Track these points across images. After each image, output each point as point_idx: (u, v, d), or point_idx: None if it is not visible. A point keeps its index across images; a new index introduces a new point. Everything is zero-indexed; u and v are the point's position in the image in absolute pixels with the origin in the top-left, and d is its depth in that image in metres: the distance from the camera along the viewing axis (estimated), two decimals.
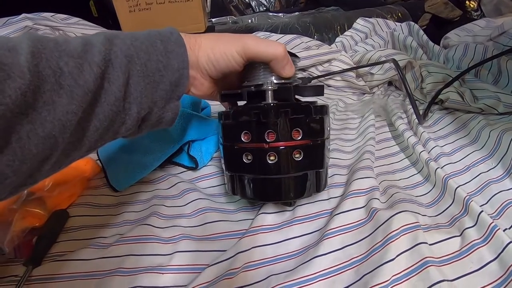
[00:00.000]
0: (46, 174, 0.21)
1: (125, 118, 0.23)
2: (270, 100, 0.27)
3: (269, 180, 0.29)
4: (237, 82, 0.32)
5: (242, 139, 0.28)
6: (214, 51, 0.27)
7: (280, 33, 0.72)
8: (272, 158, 0.27)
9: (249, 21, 1.04)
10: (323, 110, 0.30)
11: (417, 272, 0.25)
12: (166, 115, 0.26)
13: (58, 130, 0.19)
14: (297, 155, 0.28)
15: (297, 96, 0.33)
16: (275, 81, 0.29)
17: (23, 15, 0.67)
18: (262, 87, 0.28)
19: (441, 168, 0.37)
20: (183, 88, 0.26)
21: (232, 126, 0.29)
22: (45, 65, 0.18)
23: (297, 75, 0.32)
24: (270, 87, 0.28)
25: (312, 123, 0.28)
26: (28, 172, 0.19)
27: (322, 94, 0.30)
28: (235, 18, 1.09)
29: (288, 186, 0.29)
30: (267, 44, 0.27)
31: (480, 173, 0.37)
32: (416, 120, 0.46)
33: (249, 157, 0.28)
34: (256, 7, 1.41)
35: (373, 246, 0.27)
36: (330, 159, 0.41)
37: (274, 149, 0.27)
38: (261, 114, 0.27)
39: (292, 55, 0.30)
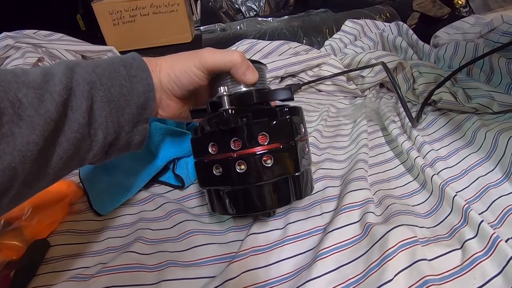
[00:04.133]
0: (6, 207, 0.20)
1: (91, 144, 0.23)
2: (227, 105, 0.26)
3: (242, 191, 0.27)
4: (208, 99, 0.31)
5: (210, 151, 0.27)
6: (174, 69, 0.27)
7: (268, 39, 0.71)
8: (242, 167, 0.26)
9: (238, 27, 1.03)
10: (292, 111, 0.28)
11: None
12: (135, 139, 0.26)
13: (18, 161, 0.18)
14: (268, 161, 0.26)
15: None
16: (243, 89, 0.29)
17: (4, 33, 0.65)
18: (218, 94, 0.27)
19: (437, 174, 0.35)
20: (150, 110, 0.26)
21: (199, 140, 0.29)
22: (3, 97, 0.18)
23: (267, 82, 0.31)
24: (225, 93, 0.26)
25: (279, 125, 0.27)
26: None
27: (291, 95, 0.29)
28: (223, 25, 1.08)
29: (263, 195, 0.27)
30: (223, 53, 0.27)
31: (478, 177, 0.36)
32: (410, 124, 0.45)
33: (219, 169, 0.27)
34: (246, 12, 1.41)
35: (369, 265, 0.26)
36: (322, 170, 0.39)
37: (242, 157, 0.26)
38: (219, 121, 0.26)
39: (256, 62, 0.30)
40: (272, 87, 0.33)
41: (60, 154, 0.21)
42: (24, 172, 0.19)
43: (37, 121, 0.19)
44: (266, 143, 0.26)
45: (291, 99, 0.30)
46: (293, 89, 0.31)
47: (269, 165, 0.26)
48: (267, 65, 0.33)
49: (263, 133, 0.26)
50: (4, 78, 0.19)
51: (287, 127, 0.27)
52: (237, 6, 1.40)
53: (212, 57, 0.27)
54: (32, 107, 0.19)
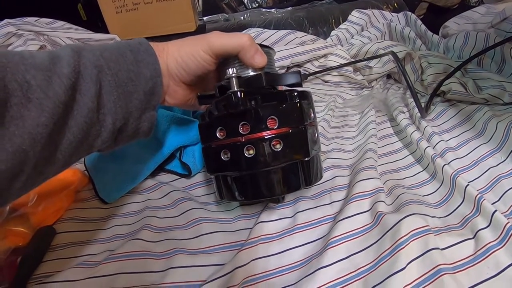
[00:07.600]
0: (17, 193, 0.20)
1: (100, 130, 0.23)
2: (235, 88, 0.25)
3: (250, 176, 0.27)
4: None
5: (218, 136, 0.27)
6: (181, 54, 0.27)
7: (273, 29, 0.70)
8: (250, 151, 0.26)
9: (241, 18, 1.01)
10: (301, 95, 0.28)
11: (430, 281, 0.23)
12: (143, 126, 0.26)
13: (28, 144, 0.18)
14: (277, 145, 0.26)
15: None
16: (251, 73, 0.28)
17: (6, 20, 0.64)
18: (226, 76, 0.26)
19: (448, 164, 0.35)
20: (158, 97, 0.26)
21: (206, 125, 0.28)
22: (11, 79, 0.18)
23: (275, 66, 0.31)
24: (234, 75, 0.26)
25: (288, 109, 0.26)
26: None
27: (300, 80, 0.28)
28: (227, 15, 1.07)
29: (272, 181, 0.27)
30: (231, 36, 0.27)
31: (490, 168, 0.35)
32: (419, 114, 0.44)
33: (227, 154, 0.26)
34: (249, 4, 1.38)
35: (381, 254, 0.26)
36: (331, 159, 0.39)
37: (251, 141, 0.25)
38: (228, 104, 0.25)
39: (264, 46, 0.29)
40: None
41: (70, 139, 0.21)
42: (35, 156, 0.19)
43: (46, 104, 0.18)
44: (275, 127, 0.26)
45: (300, 84, 0.29)
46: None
47: (278, 150, 0.26)
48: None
49: (272, 117, 0.26)
50: (12, 59, 0.18)
51: (296, 111, 0.27)
52: None
53: (220, 40, 0.27)
54: (40, 89, 0.18)
